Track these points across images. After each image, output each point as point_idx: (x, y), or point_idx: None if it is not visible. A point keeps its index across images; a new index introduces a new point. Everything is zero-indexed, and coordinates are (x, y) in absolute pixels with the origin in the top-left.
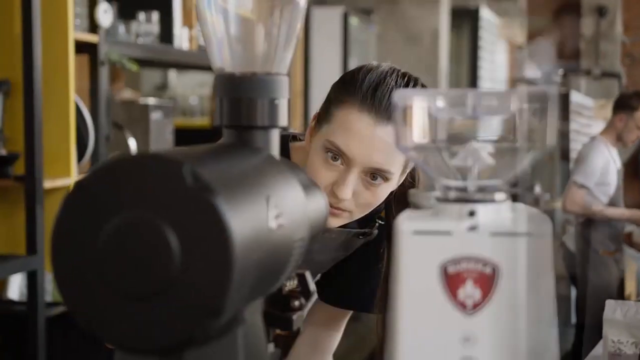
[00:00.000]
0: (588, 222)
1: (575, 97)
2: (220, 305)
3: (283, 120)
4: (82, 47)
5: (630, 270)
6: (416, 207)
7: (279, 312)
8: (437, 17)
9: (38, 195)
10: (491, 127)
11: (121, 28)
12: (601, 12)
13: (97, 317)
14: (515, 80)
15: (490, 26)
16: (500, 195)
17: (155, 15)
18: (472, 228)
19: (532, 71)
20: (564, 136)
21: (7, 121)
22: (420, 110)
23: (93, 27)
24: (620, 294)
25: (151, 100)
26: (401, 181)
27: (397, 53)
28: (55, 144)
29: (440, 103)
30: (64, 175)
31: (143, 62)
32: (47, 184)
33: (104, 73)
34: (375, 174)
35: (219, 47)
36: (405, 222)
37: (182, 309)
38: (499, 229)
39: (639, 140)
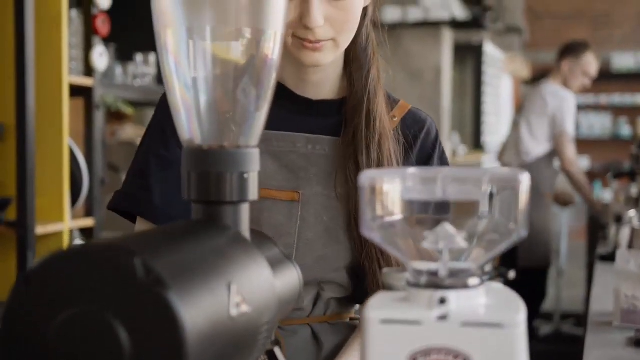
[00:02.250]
0: (538, 164)
1: (488, 48)
2: None
3: (253, 194)
4: (77, 91)
5: None
6: (389, 288)
7: None
8: (440, 53)
9: (30, 242)
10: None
11: (118, 69)
12: None
13: None
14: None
15: (494, 61)
16: (473, 280)
17: (152, 57)
18: (443, 317)
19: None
20: (477, 87)
21: (0, 165)
22: (387, 190)
23: (89, 70)
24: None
25: None
26: None
27: (400, 89)
28: (48, 189)
29: (409, 183)
30: (57, 220)
31: (140, 103)
32: (40, 229)
33: (99, 116)
34: None
35: (187, 118)
36: (373, 310)
37: None
38: (470, 318)
39: None
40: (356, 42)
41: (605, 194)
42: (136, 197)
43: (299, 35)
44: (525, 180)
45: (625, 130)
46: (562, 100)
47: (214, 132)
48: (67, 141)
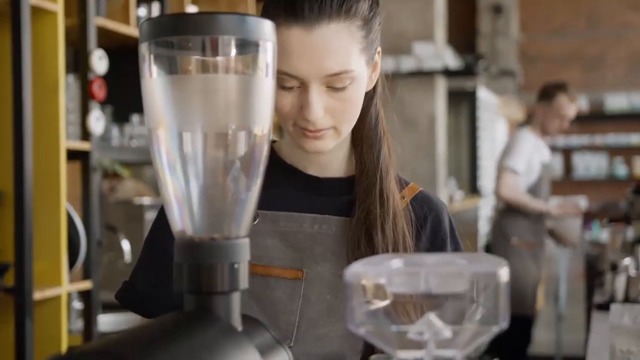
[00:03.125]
0: (507, 210)
1: (482, 93)
2: None
3: (244, 283)
4: (74, 154)
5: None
6: None
7: None
8: (434, 101)
9: (28, 308)
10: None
11: (115, 131)
12: (497, 10)
13: None
14: None
15: (489, 105)
16: None
17: None
18: None
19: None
20: (472, 132)
21: None
22: (372, 285)
23: (85, 134)
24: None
25: (146, 200)
26: (375, 77)
27: (395, 138)
28: (46, 254)
29: (393, 279)
30: (55, 284)
31: (137, 163)
32: (38, 294)
33: (95, 179)
34: (336, 81)
35: (178, 210)
36: None
37: None
38: None
39: None
40: (364, 121)
41: (602, 234)
42: (126, 290)
43: (299, 124)
44: (504, 274)
45: (622, 170)
46: (518, 137)
47: (205, 224)
48: (65, 206)
